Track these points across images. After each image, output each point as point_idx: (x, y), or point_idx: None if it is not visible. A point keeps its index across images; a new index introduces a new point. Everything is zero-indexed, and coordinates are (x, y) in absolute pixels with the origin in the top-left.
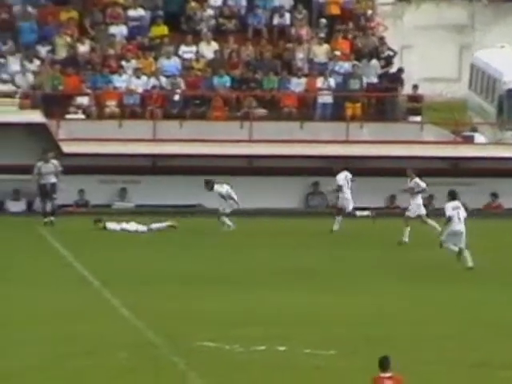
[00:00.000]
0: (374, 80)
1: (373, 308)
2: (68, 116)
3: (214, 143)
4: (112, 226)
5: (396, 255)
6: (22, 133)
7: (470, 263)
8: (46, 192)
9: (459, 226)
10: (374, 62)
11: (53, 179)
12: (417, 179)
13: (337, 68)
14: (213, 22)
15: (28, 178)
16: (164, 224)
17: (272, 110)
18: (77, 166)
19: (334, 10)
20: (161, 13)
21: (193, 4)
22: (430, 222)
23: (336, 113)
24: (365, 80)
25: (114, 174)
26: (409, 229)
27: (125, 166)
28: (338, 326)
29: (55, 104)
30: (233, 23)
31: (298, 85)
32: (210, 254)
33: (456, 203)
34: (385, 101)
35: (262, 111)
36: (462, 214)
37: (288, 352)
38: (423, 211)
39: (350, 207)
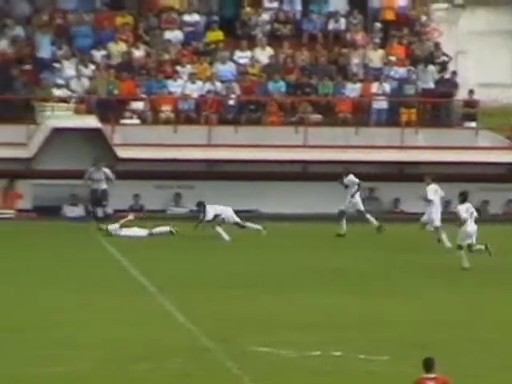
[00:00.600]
0: (431, 85)
1: (425, 313)
2: (123, 121)
3: (268, 148)
4: (115, 231)
5: (442, 259)
6: (77, 138)
7: (467, 264)
8: (97, 198)
9: (472, 226)
10: (431, 67)
11: (103, 185)
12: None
13: (392, 73)
14: (268, 27)
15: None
16: (166, 228)
17: (327, 116)
18: (132, 171)
19: (389, 16)
20: (216, 18)
21: (248, 9)
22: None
23: (391, 118)
24: (420, 85)
25: (168, 180)
26: (444, 234)
27: (179, 172)
28: (390, 331)
29: (110, 109)
30: (288, 28)
31: (352, 90)
32: (263, 258)
33: (468, 205)
34: (440, 106)
35: (316, 116)
36: (474, 214)
37: (343, 357)
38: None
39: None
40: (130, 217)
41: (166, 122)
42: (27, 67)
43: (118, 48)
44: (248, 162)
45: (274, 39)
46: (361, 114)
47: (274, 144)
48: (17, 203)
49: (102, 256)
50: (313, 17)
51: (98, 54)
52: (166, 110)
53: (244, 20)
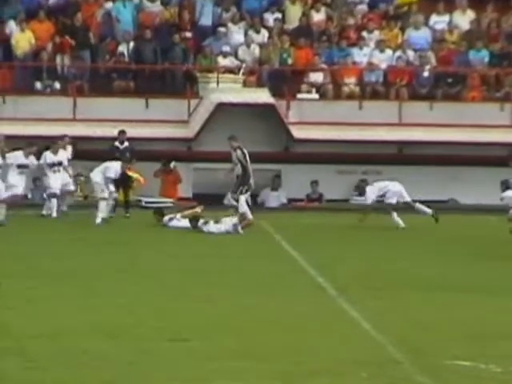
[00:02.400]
0: None
1: None
2: (299, 95)
3: (468, 128)
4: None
5: None
6: (245, 115)
7: None
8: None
9: None
10: None
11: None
12: None
13: None
14: None
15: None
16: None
17: None
18: (309, 154)
19: None
20: None
21: None
22: None
23: None
24: None
25: (352, 164)
26: None
27: (365, 155)
28: None
29: (284, 82)
30: None
31: None
32: (459, 258)
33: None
34: None
35: None
36: None
37: None
38: None
39: None
40: (198, 209)
41: (350, 96)
42: (187, 34)
43: (294, 10)
44: (444, 144)
45: (476, 1)
46: None
47: (475, 123)
48: (178, 190)
49: (270, 249)
50: None
51: (271, 18)
52: (350, 82)
53: None
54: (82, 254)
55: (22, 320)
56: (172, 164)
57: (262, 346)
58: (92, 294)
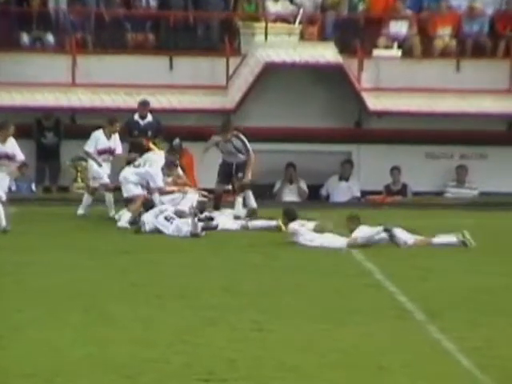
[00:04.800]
0: None
1: None
2: (376, 53)
3: None
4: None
5: None
6: (303, 78)
7: None
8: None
9: None
10: None
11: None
12: None
13: None
14: None
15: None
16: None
17: None
18: (389, 131)
19: None
20: None
21: None
22: None
23: None
24: None
25: (446, 145)
26: None
27: (464, 132)
28: None
29: (356, 34)
30: None
31: None
32: None
33: None
34: None
35: None
36: None
37: None
38: None
39: None
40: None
41: (444, 53)
42: None
43: None
44: None
45: None
46: None
47: None
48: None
49: (336, 258)
50: None
51: None
52: (444, 34)
53: None
54: (87, 266)
55: (9, 355)
56: (175, 142)
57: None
58: (100, 319)
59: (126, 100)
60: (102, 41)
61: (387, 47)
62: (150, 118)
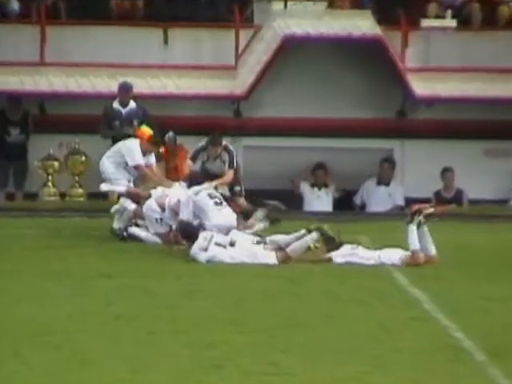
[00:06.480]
0: None
1: None
2: (425, 23)
3: None
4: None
5: None
6: (332, 55)
7: None
8: None
9: None
10: None
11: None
12: None
13: None
14: None
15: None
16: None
17: None
18: (440, 123)
19: None
20: None
21: None
22: None
23: None
24: None
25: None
26: None
27: None
28: None
29: (399, 4)
30: None
31: None
32: None
33: None
34: None
35: None
36: None
37: None
38: None
39: None
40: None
41: (510, 23)
42: None
43: None
44: None
45: None
46: None
47: None
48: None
49: (377, 285)
50: None
51: None
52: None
53: None
54: (59, 294)
55: None
56: (168, 136)
57: None
58: (75, 359)
59: (109, 84)
60: (77, 8)
61: (439, 16)
62: (132, 104)
